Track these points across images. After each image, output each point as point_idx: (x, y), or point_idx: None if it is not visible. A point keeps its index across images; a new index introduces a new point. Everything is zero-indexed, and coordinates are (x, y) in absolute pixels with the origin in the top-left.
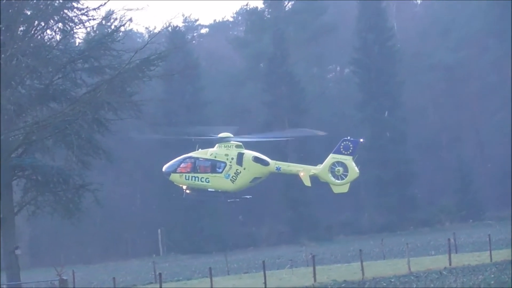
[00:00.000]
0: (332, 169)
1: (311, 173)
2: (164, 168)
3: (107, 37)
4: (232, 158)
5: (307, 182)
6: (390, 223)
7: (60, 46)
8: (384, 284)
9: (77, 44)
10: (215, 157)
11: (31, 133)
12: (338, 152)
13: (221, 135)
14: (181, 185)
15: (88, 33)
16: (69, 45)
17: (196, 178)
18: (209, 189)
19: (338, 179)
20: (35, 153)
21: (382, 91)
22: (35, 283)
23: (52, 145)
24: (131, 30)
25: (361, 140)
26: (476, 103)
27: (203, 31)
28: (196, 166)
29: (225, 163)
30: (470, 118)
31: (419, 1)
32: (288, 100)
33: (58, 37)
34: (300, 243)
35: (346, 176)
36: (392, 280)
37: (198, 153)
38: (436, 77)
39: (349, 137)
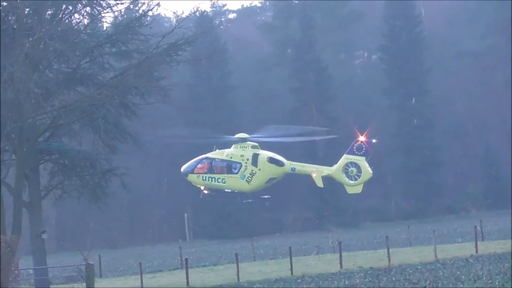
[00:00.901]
0: (346, 169)
1: (325, 174)
2: (182, 169)
3: (134, 21)
4: (248, 159)
5: (320, 183)
6: (416, 210)
7: (88, 30)
8: (410, 271)
9: (104, 28)
10: (231, 158)
11: (58, 117)
12: (352, 152)
13: (238, 135)
14: (198, 186)
15: (115, 17)
16: (96, 29)
17: (213, 179)
18: (225, 190)
19: (352, 180)
20: (62, 137)
21: (409, 78)
22: (61, 267)
23: (79, 129)
24: (158, 14)
25: (374, 140)
26: (503, 91)
27: (231, 16)
28: (212, 167)
29: (240, 163)
30: (497, 106)
31: None
32: (315, 86)
33: (85, 21)
34: (327, 229)
35: (359, 176)
36: (419, 267)
37: (215, 154)
38: (463, 65)
39: (362, 137)
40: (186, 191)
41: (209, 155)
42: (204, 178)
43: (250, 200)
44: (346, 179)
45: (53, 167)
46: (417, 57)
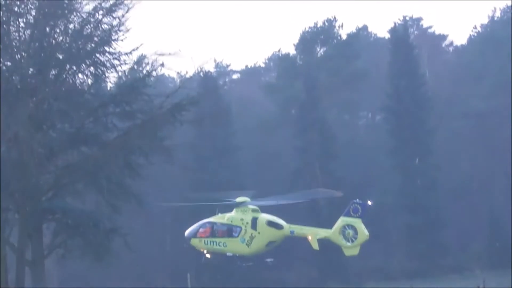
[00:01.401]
0: (343, 231)
1: (323, 236)
2: (186, 233)
3: (138, 81)
4: (247, 223)
5: (315, 246)
6: (420, 269)
7: (92, 90)
8: None
9: (108, 88)
10: (232, 221)
11: (62, 177)
12: (348, 214)
13: (238, 199)
14: (201, 250)
15: (119, 78)
16: (100, 89)
17: (214, 243)
18: (227, 253)
19: (349, 242)
20: (65, 197)
21: (413, 138)
22: None
23: (82, 189)
24: (162, 74)
25: (370, 202)
26: (508, 150)
27: (235, 76)
28: (214, 231)
29: (240, 227)
30: (502, 166)
31: (451, 49)
32: (319, 146)
33: (89, 81)
34: None
35: (356, 238)
36: None
37: (216, 218)
38: (468, 124)
39: (357, 200)
40: (189, 250)
41: (211, 219)
42: (206, 242)
43: (251, 263)
44: (344, 241)
45: (56, 226)
46: (422, 117)
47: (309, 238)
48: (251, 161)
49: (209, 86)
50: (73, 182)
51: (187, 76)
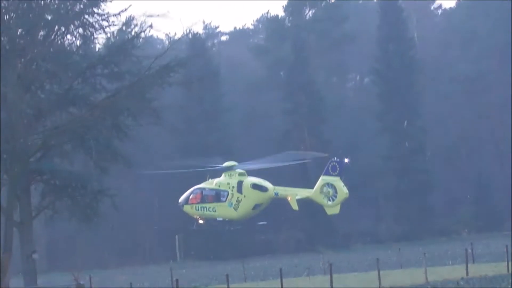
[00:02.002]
0: (323, 191)
1: (304, 196)
2: (179, 200)
3: (127, 43)
4: (233, 187)
5: (295, 206)
6: (408, 232)
7: (80, 51)
8: None
9: (97, 49)
10: (219, 186)
11: (50, 138)
12: (327, 173)
13: (226, 164)
14: (194, 216)
15: (108, 39)
16: (89, 50)
17: (205, 208)
18: (217, 219)
19: (330, 200)
20: (53, 158)
21: (401, 101)
22: (52, 287)
23: (70, 150)
24: (151, 36)
25: (346, 160)
26: (496, 115)
27: (223, 38)
28: (203, 197)
29: (227, 191)
30: (490, 130)
31: (440, 12)
32: (308, 108)
33: (78, 42)
34: (318, 251)
35: (336, 197)
36: None
37: (206, 184)
38: (456, 88)
39: (335, 158)
40: (177, 212)
41: (201, 185)
42: (197, 208)
43: (239, 227)
44: (325, 200)
45: (44, 188)
46: (410, 81)
47: (289, 198)
48: (240, 123)
49: (197, 48)
50: (61, 143)
51: (176, 37)
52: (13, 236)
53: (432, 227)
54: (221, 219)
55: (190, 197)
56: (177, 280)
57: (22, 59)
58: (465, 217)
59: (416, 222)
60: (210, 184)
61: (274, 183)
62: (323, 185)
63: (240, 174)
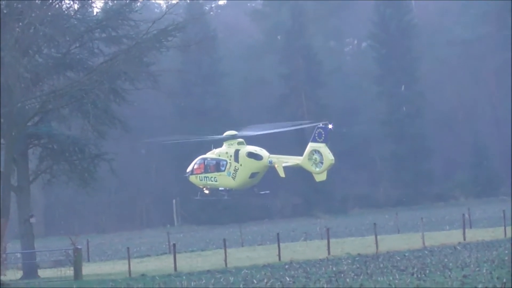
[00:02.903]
0: (310, 158)
1: (294, 164)
2: (186, 171)
3: (125, 7)
4: (231, 156)
5: (282, 174)
6: (405, 197)
7: (78, 15)
8: (398, 258)
9: (94, 13)
10: (219, 156)
11: (48, 102)
12: (314, 140)
13: (227, 133)
14: (199, 186)
15: (106, 3)
16: (87, 14)
17: (207, 178)
18: (219, 188)
19: (317, 167)
20: (51, 122)
21: (399, 66)
22: (49, 251)
23: (68, 114)
24: (149, 0)
25: (330, 126)
26: (493, 79)
27: (221, 2)
28: (206, 166)
29: (226, 161)
30: (487, 94)
31: None
32: (305, 73)
33: (76, 6)
34: (315, 215)
35: (322, 163)
36: (406, 254)
37: (209, 154)
38: (454, 53)
39: (321, 124)
40: (175, 176)
41: (205, 155)
42: (201, 178)
43: (237, 196)
44: (313, 167)
45: (42, 152)
46: (407, 45)
47: (276, 166)
48: (237, 87)
49: (195, 12)
50: (58, 107)
51: (173, 1)
52: (10, 201)
53: (430, 192)
54: (222, 188)
55: (194, 167)
56: (174, 245)
57: (20, 23)
58: (463, 182)
59: (414, 186)
60: (212, 154)
61: (273, 151)
62: (311, 152)
63: (239, 143)
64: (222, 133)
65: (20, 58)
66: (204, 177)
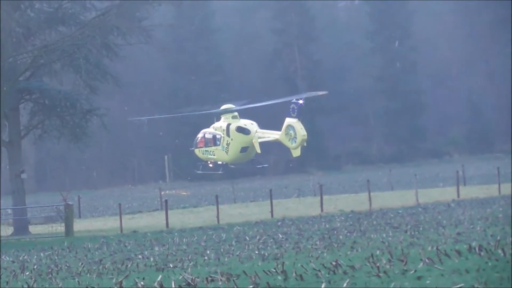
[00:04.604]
0: (287, 132)
1: (274, 139)
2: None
3: None
4: (223, 130)
5: (258, 149)
6: (399, 154)
7: None
8: (391, 215)
9: None
10: (216, 129)
11: (39, 57)
12: (289, 116)
13: (224, 107)
14: (203, 159)
15: None
16: None
17: (207, 152)
18: (218, 162)
19: (293, 143)
20: (42, 77)
21: (393, 21)
22: (40, 207)
23: (60, 69)
24: None
25: (301, 101)
26: (487, 34)
27: None
28: (206, 140)
29: (220, 135)
30: (481, 49)
31: None
32: (298, 28)
33: None
34: (308, 172)
35: (296, 139)
36: (400, 211)
37: (210, 128)
38: (448, 7)
39: (294, 99)
40: (167, 132)
41: (207, 129)
42: (203, 152)
43: (232, 166)
44: (289, 143)
45: (33, 107)
46: (401, 0)
47: (253, 140)
48: (230, 42)
49: None
50: (50, 62)
51: None
52: (1, 156)
53: (423, 148)
54: (220, 162)
55: (197, 141)
56: (166, 201)
57: None
58: (457, 138)
59: (407, 143)
60: (212, 127)
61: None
62: (287, 127)
63: (233, 117)
64: (214, 89)
65: (12, 12)
66: (205, 150)
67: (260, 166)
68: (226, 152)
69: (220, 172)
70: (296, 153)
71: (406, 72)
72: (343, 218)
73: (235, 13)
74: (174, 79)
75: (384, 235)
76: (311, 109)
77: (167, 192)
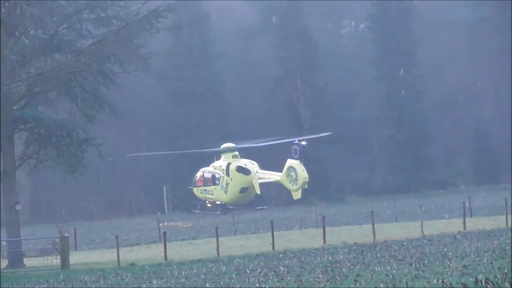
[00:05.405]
0: (288, 174)
1: (275, 180)
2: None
3: None
4: (223, 169)
5: (257, 190)
6: (403, 184)
7: None
8: (396, 248)
9: None
10: (215, 169)
11: (34, 85)
12: (291, 156)
13: (224, 145)
14: (201, 199)
15: None
16: None
17: (205, 191)
18: (216, 202)
19: (293, 185)
20: (38, 106)
21: (398, 48)
22: (35, 239)
23: (55, 97)
24: None
25: (304, 143)
26: (495, 62)
27: None
28: (205, 179)
29: (220, 174)
30: (489, 78)
31: None
32: (301, 55)
33: None
34: (310, 203)
35: (297, 181)
36: (404, 243)
37: (209, 167)
38: (455, 35)
39: (296, 140)
40: (165, 162)
41: (206, 168)
42: (201, 191)
43: (231, 208)
44: (290, 184)
45: (28, 136)
46: (407, 27)
47: (253, 181)
48: (230, 70)
49: None
50: (46, 90)
51: None
52: None
53: (429, 179)
54: (219, 202)
55: (196, 179)
56: (164, 233)
57: (6, 3)
58: (463, 168)
59: (412, 173)
60: (212, 166)
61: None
62: (288, 169)
63: (234, 156)
64: (213, 121)
65: (6, 39)
66: (203, 190)
67: (260, 208)
68: (225, 192)
69: (218, 212)
70: (297, 195)
71: (411, 101)
72: (346, 250)
73: (236, 40)
74: (173, 107)
75: (389, 268)
76: (314, 138)
77: (165, 223)
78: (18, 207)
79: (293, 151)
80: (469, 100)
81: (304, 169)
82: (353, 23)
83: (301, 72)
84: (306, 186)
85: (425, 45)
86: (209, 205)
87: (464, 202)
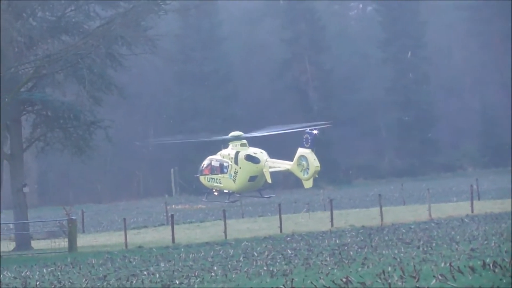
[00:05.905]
0: (299, 163)
1: (285, 169)
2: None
3: None
4: (232, 158)
5: (269, 179)
6: (411, 167)
7: None
8: (404, 231)
9: None
10: (223, 157)
11: (42, 67)
12: (302, 146)
13: (232, 134)
14: (208, 187)
15: None
16: None
17: (213, 180)
18: (224, 190)
19: (304, 174)
20: (45, 88)
21: (405, 30)
22: (42, 222)
23: (63, 79)
24: None
25: (315, 132)
26: (501, 44)
27: None
28: (212, 168)
29: (228, 163)
30: (495, 60)
31: None
32: (308, 37)
33: None
34: (318, 186)
35: (308, 170)
36: (412, 226)
37: (216, 155)
38: (461, 17)
39: (307, 129)
40: (173, 145)
41: (213, 156)
42: (208, 180)
43: (238, 196)
44: (301, 173)
45: (36, 119)
46: (414, 9)
47: (264, 170)
48: (237, 52)
49: None
50: (53, 72)
51: None
52: (3, 169)
53: (436, 161)
54: (227, 191)
55: (203, 168)
56: (172, 216)
57: None
58: (470, 151)
59: (419, 156)
60: (219, 155)
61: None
62: (299, 158)
63: (242, 145)
64: (222, 100)
65: (14, 21)
66: (210, 178)
67: (268, 196)
68: (234, 181)
69: (226, 201)
70: (308, 184)
71: (418, 83)
72: (353, 233)
73: (243, 22)
74: (181, 89)
75: (396, 251)
76: (321, 121)
77: (173, 206)
78: (25, 189)
79: (304, 140)
80: (475, 82)
81: (316, 158)
82: (360, 5)
83: (308, 54)
84: (317, 175)
85: (431, 28)
86: (216, 193)
87: (471, 185)
